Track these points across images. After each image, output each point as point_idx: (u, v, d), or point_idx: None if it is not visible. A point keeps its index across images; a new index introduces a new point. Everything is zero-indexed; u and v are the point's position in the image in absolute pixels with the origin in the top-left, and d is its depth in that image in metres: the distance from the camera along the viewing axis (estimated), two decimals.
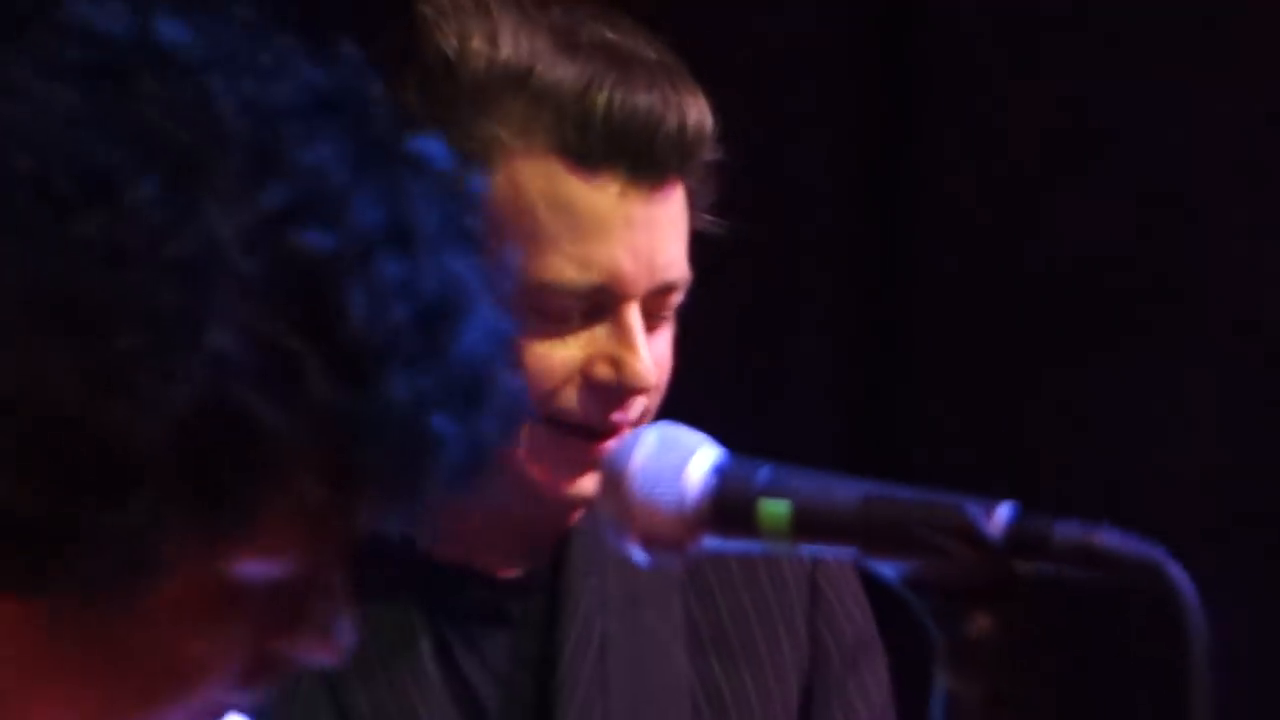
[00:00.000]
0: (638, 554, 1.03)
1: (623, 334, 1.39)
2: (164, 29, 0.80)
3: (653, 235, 1.39)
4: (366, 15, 1.28)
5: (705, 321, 1.52)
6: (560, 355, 1.39)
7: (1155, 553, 0.96)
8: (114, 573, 0.79)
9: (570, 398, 1.40)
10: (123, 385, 0.76)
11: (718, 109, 1.50)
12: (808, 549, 1.07)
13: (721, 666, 1.58)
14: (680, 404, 1.39)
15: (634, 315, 1.39)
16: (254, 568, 0.83)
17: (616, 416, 1.40)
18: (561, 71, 1.35)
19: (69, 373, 0.76)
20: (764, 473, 0.99)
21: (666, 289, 1.37)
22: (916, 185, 3.04)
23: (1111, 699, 2.21)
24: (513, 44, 1.35)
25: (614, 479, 1.03)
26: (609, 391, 1.39)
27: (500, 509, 1.34)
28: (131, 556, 0.78)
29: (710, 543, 1.01)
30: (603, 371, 1.39)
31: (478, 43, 1.35)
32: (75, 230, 0.75)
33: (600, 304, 1.38)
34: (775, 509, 0.98)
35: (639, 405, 1.38)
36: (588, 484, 1.26)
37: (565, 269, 1.37)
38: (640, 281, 1.38)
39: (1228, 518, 2.24)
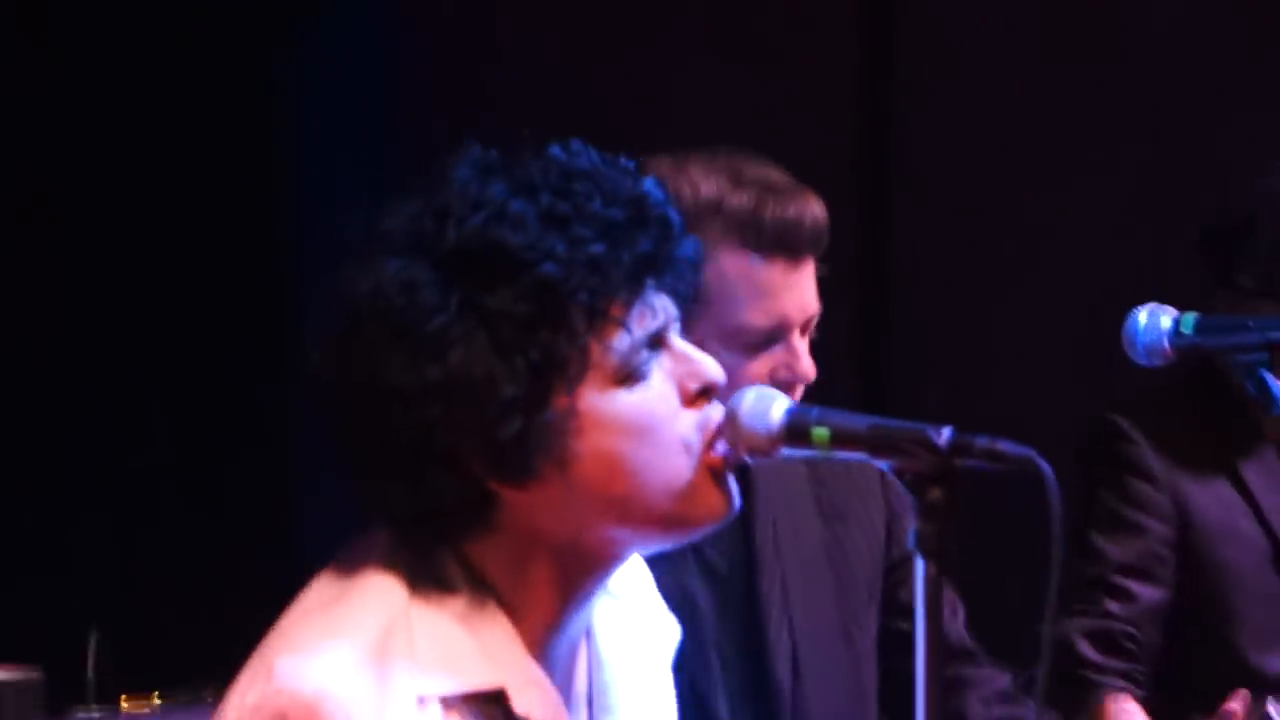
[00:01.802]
0: (745, 458, 1.54)
1: (792, 352, 2.16)
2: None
3: (803, 292, 2.17)
4: None
5: None
6: (756, 367, 2.13)
7: (1032, 454, 1.58)
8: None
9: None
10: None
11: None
12: (840, 454, 1.57)
13: (839, 528, 2.31)
14: None
15: (798, 340, 2.17)
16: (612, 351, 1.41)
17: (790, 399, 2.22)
18: (738, 200, 2.12)
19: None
20: (814, 412, 1.54)
21: (810, 320, 2.17)
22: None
23: (1004, 547, 2.74)
24: (704, 184, 2.12)
25: (731, 417, 1.52)
26: (786, 385, 2.12)
27: None
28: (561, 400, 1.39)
29: (785, 452, 1.54)
30: (783, 374, 2.15)
31: (685, 186, 2.11)
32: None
33: (775, 336, 2.13)
34: (821, 431, 1.53)
35: (800, 390, 2.15)
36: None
37: (756, 317, 2.13)
38: (797, 319, 2.16)
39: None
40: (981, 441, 1.51)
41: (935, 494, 1.50)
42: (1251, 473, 2.64)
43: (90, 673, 3.45)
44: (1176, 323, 2.07)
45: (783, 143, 2.43)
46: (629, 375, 1.43)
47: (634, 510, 1.44)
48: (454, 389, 1.39)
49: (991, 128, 3.77)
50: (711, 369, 1.50)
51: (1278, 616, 2.64)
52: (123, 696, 3.52)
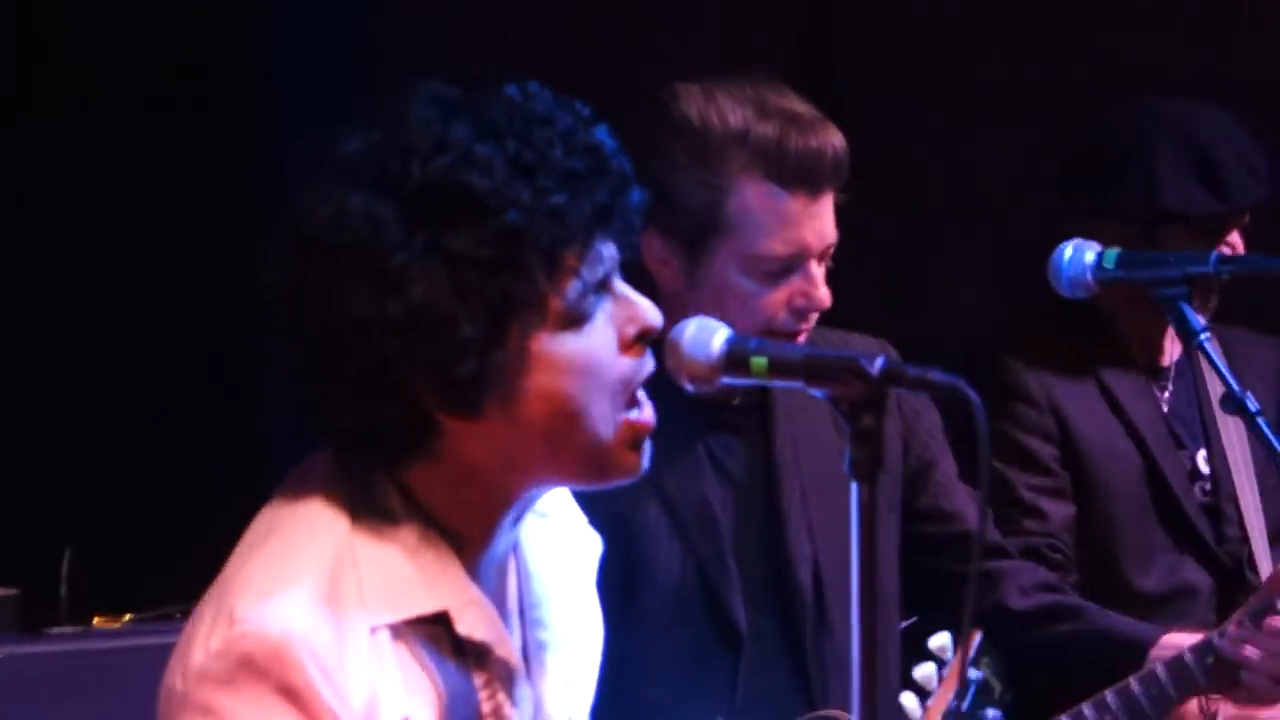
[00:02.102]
0: (687, 386, 1.60)
1: (810, 280, 2.22)
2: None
3: (822, 221, 2.22)
4: None
5: None
6: (775, 295, 2.21)
7: (960, 382, 1.66)
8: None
9: (780, 318, 2.22)
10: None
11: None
12: (777, 382, 1.66)
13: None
14: None
15: (815, 268, 2.23)
16: (564, 297, 1.46)
17: (804, 325, 2.25)
18: (763, 130, 2.16)
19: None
20: (753, 342, 1.59)
21: (828, 249, 2.22)
22: None
23: None
24: (732, 115, 2.18)
25: (674, 345, 1.57)
26: (802, 312, 2.21)
27: None
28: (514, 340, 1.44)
29: (725, 380, 1.59)
30: (800, 301, 2.22)
31: (713, 115, 2.18)
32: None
33: (794, 264, 2.19)
34: (759, 361, 1.57)
35: (814, 317, 2.23)
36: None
37: (776, 246, 2.19)
38: (816, 249, 2.22)
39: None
40: (912, 371, 1.57)
41: (867, 420, 1.55)
42: (1121, 392, 2.75)
43: (63, 591, 3.53)
44: (1100, 257, 2.15)
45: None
46: (577, 319, 1.49)
47: (563, 450, 1.50)
48: (413, 325, 1.44)
49: (926, 72, 3.82)
50: (650, 313, 1.55)
51: (1151, 533, 2.74)
52: (95, 615, 3.61)
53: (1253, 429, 2.16)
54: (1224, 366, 2.08)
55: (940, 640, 1.66)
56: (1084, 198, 2.77)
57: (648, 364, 1.55)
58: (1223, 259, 2.26)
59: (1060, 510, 2.73)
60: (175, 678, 1.45)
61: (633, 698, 1.95)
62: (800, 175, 2.17)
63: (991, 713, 2.20)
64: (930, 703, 2.13)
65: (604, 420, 1.51)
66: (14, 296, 3.76)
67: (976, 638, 2.06)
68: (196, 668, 1.44)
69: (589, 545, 1.72)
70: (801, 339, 2.25)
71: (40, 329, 3.79)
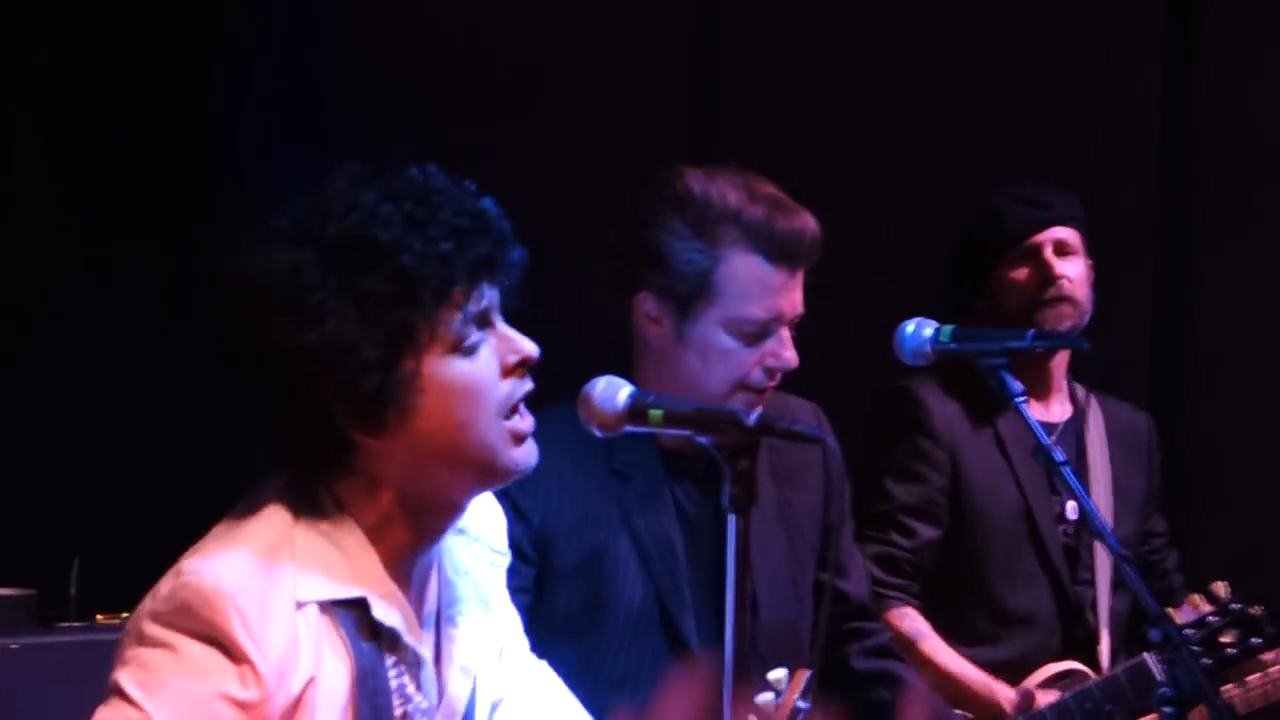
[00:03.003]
0: (596, 432, 1.86)
1: (781, 343, 2.44)
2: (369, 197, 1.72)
3: (795, 294, 2.44)
4: None
5: None
6: (751, 355, 2.42)
7: (822, 435, 1.94)
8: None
9: (754, 375, 2.43)
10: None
11: None
12: (670, 431, 1.88)
13: (789, 490, 2.59)
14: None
15: (786, 333, 2.44)
16: (450, 327, 1.69)
17: (773, 382, 2.45)
18: (755, 210, 2.37)
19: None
20: (651, 397, 1.83)
21: (798, 317, 2.43)
22: None
23: None
24: (729, 195, 2.39)
25: (585, 398, 1.83)
26: (773, 371, 2.42)
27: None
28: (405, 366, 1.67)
29: (628, 428, 1.84)
30: (771, 361, 2.44)
31: (713, 193, 2.39)
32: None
33: (770, 328, 2.40)
34: (656, 413, 1.82)
35: (780, 376, 2.44)
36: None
37: (757, 311, 2.41)
38: (789, 316, 2.44)
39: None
40: (783, 423, 1.85)
41: (743, 463, 1.80)
42: (1011, 441, 3.07)
43: (72, 593, 3.89)
44: (937, 332, 2.45)
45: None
46: (463, 347, 1.73)
47: (458, 459, 1.74)
48: (327, 351, 1.68)
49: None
50: (527, 346, 1.77)
51: (1021, 561, 3.07)
52: (98, 613, 3.96)
53: (1057, 477, 2.47)
54: (1035, 425, 2.37)
55: (777, 674, 1.90)
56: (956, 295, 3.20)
57: (526, 385, 1.78)
58: (1037, 335, 2.56)
59: (927, 533, 3.04)
60: (133, 618, 1.72)
61: (598, 703, 2.11)
62: (783, 252, 2.40)
63: None
64: None
65: (488, 430, 1.74)
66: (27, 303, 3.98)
67: (807, 675, 2.32)
68: (148, 609, 1.69)
69: (499, 560, 1.96)
70: (768, 395, 2.48)
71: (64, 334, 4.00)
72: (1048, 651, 3.07)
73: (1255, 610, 2.74)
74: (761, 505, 2.40)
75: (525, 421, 1.78)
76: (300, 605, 1.71)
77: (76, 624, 3.80)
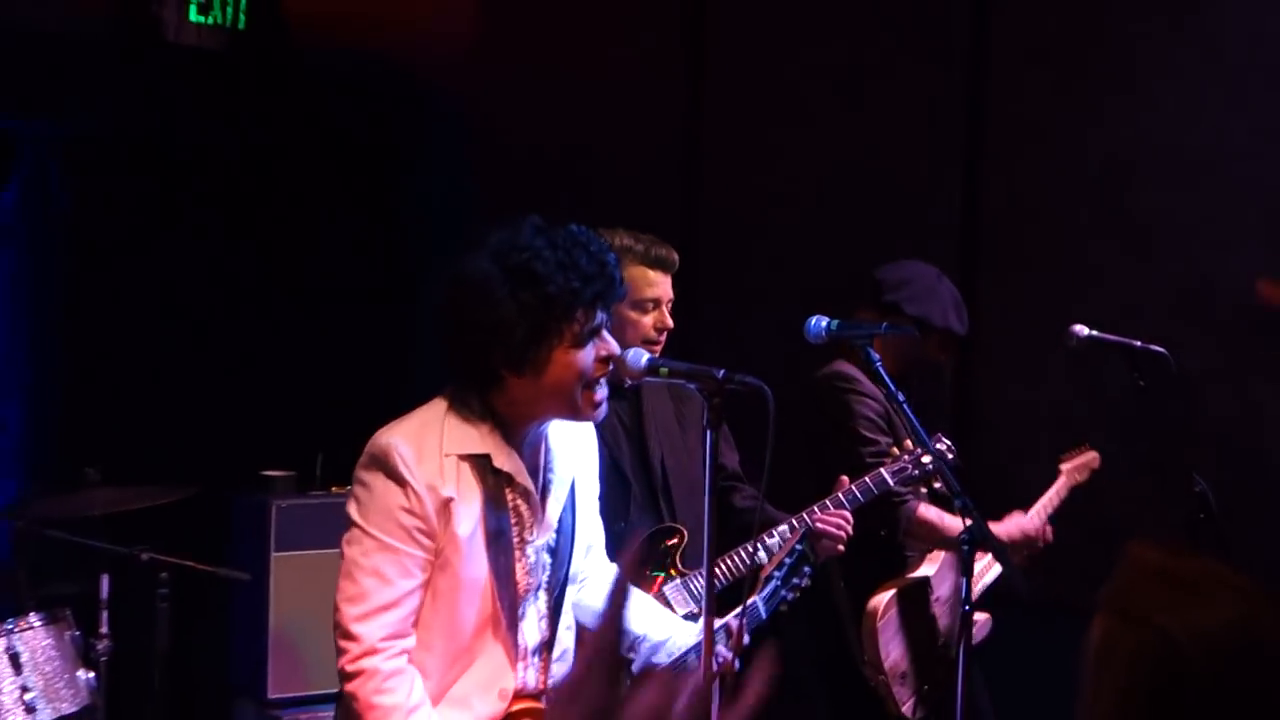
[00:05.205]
0: (628, 382, 2.67)
1: (662, 314, 3.56)
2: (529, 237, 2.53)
3: (668, 286, 3.55)
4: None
5: None
6: (646, 320, 3.51)
7: (762, 384, 2.60)
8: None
9: (649, 332, 3.57)
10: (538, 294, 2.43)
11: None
12: (673, 380, 2.64)
13: (686, 426, 3.66)
14: None
15: (665, 308, 3.55)
16: (574, 331, 2.46)
17: (662, 338, 3.62)
18: (642, 249, 3.54)
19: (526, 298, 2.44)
20: (661, 359, 2.61)
21: (670, 300, 3.56)
22: None
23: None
24: (627, 241, 3.53)
25: (620, 360, 2.58)
26: (660, 330, 3.52)
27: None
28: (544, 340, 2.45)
29: (647, 379, 2.61)
30: (660, 322, 3.56)
31: (619, 241, 3.50)
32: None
33: (655, 303, 3.52)
34: (664, 369, 2.58)
35: (665, 335, 3.52)
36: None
37: (647, 292, 3.51)
38: (665, 299, 3.58)
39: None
40: (739, 376, 2.66)
41: (716, 401, 2.61)
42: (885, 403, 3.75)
43: (318, 472, 5.28)
44: (829, 323, 3.15)
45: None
46: (577, 343, 2.49)
47: (555, 401, 2.53)
48: (497, 326, 2.42)
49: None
50: (614, 348, 2.49)
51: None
52: (333, 485, 5.32)
53: (900, 413, 3.23)
54: (889, 381, 3.09)
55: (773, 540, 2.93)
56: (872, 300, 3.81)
57: (607, 369, 2.59)
58: (889, 326, 3.31)
59: (900, 452, 3.61)
60: (354, 472, 2.45)
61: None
62: (658, 264, 3.54)
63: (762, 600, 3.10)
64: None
65: (576, 394, 2.53)
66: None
67: (797, 538, 3.21)
68: (359, 464, 2.40)
69: (589, 444, 2.79)
70: (660, 346, 3.48)
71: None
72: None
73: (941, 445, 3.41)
74: (669, 428, 3.60)
75: (600, 393, 2.59)
76: (446, 455, 2.48)
77: (319, 491, 5.31)
